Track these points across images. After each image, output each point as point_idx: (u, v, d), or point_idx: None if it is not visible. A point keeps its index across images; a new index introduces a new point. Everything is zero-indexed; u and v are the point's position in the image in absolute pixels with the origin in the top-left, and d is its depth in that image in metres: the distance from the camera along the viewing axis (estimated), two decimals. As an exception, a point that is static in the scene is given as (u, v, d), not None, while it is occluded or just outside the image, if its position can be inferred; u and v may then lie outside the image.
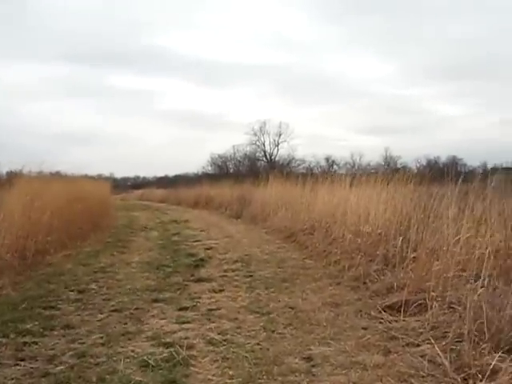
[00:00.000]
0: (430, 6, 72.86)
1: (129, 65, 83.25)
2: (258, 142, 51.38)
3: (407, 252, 6.59)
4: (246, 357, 4.41)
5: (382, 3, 73.30)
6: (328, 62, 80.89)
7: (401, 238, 6.85)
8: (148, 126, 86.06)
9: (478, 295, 4.53)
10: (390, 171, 11.61)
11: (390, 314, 5.47)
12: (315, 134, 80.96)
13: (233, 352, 4.55)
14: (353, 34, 74.80)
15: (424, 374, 3.98)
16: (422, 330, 4.86)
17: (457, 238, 5.87)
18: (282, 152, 50.87)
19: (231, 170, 48.50)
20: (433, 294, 5.21)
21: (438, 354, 4.17)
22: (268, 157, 51.92)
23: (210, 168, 51.35)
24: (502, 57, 75.58)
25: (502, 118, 71.98)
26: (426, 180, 9.00)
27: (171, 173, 64.71)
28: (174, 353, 4.46)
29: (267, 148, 51.67)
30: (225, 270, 8.41)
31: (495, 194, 7.04)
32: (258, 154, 51.98)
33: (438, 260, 5.71)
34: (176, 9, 76.04)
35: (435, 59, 75.30)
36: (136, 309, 5.95)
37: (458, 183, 6.65)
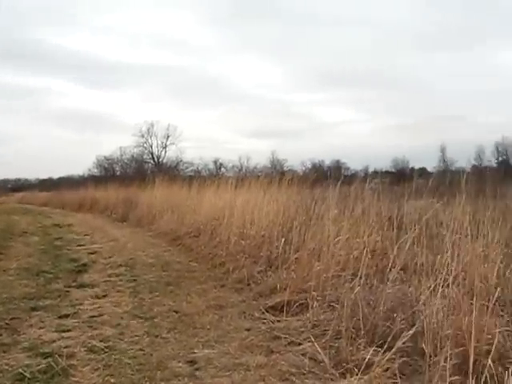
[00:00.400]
0: (318, 15, 75.63)
1: (13, 62, 79.08)
2: (145, 144, 50.62)
3: (290, 253, 6.76)
4: (129, 363, 4.32)
5: (272, 10, 75.06)
6: (218, 65, 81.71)
7: (283, 240, 7.02)
8: (32, 127, 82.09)
9: (355, 293, 4.74)
10: (276, 174, 11.88)
11: (273, 315, 5.58)
12: (204, 136, 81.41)
13: (115, 359, 4.43)
14: (244, 38, 76.13)
15: (305, 372, 4.10)
16: (303, 329, 5.00)
17: (337, 238, 6.11)
18: (170, 154, 50.47)
19: (118, 173, 47.38)
20: (313, 293, 5.39)
21: (318, 352, 4.31)
22: (156, 159, 51.30)
23: (96, 170, 49.94)
24: (385, 67, 79.95)
25: (384, 125, 76.10)
26: (309, 182, 9.31)
27: (55, 175, 62.21)
28: (52, 363, 4.26)
29: (155, 150, 51.03)
30: (109, 275, 8.18)
31: (373, 196, 7.44)
32: (145, 157, 51.20)
33: (318, 260, 5.92)
34: (61, 6, 73.23)
35: (325, 67, 78.25)
36: (12, 319, 5.62)
37: (337, 186, 6.91)
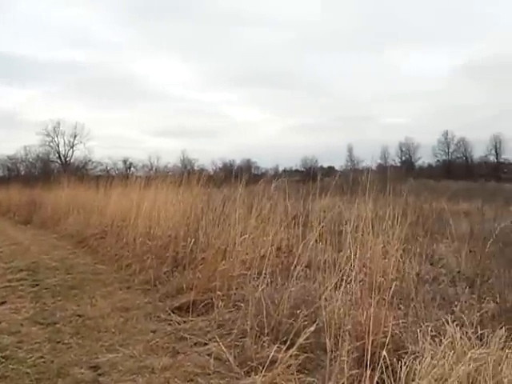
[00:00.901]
0: (231, 14, 76.05)
1: None
2: (51, 144, 48.90)
3: (196, 253, 6.72)
4: (28, 373, 4.12)
5: (185, 8, 74.68)
6: (129, 63, 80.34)
7: (190, 240, 6.96)
8: None
9: (260, 292, 4.77)
10: (185, 173, 11.76)
11: (179, 315, 5.52)
12: (113, 135, 79.68)
13: (12, 369, 4.21)
14: (156, 36, 75.21)
15: (210, 372, 4.08)
16: (209, 329, 4.98)
17: (243, 237, 6.12)
18: (78, 154, 49.09)
19: (22, 173, 45.42)
20: (219, 293, 5.38)
21: (223, 351, 4.30)
22: (62, 159, 49.68)
23: (-3, 170, 47.67)
24: (295, 67, 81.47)
25: (294, 124, 77.55)
26: (218, 182, 9.30)
27: None
28: None
29: (62, 149, 49.45)
30: (8, 280, 7.77)
31: (280, 195, 7.53)
32: (51, 156, 49.46)
33: (224, 260, 5.91)
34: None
35: (235, 67, 78.73)
36: None
37: (244, 185, 6.94)
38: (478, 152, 70.29)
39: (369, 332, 3.60)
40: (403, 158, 70.02)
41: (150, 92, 75.96)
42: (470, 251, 5.94)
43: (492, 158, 68.41)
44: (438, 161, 69.80)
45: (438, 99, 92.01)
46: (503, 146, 67.19)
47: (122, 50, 78.72)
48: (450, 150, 69.86)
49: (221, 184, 9.54)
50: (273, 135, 78.16)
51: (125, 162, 41.24)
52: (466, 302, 4.67)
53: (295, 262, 5.39)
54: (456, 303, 4.75)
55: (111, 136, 77.54)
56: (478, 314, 4.09)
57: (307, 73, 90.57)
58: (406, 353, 3.52)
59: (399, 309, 4.55)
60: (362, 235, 5.39)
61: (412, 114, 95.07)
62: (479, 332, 3.60)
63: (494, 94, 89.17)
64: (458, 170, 56.89)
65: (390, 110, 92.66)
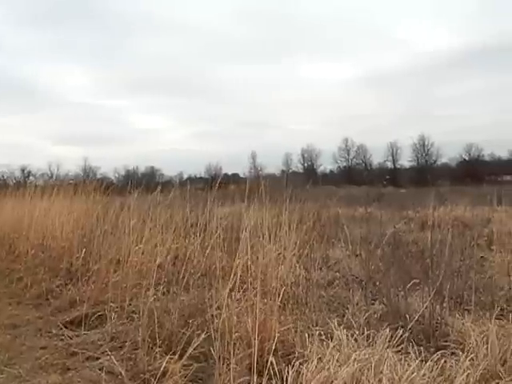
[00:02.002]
0: (137, 22, 74.81)
1: None
2: None
3: (90, 264, 6.50)
4: None
5: (90, 15, 72.66)
6: (28, 69, 76.91)
7: (84, 251, 6.73)
8: None
9: (152, 302, 4.68)
10: (84, 182, 11.38)
11: (71, 330, 5.29)
12: (11, 143, 75.93)
13: None
14: (57, 43, 72.58)
15: (101, 387, 3.94)
16: (101, 343, 4.80)
17: (138, 246, 5.99)
18: (-32, 163, 46.31)
19: None
20: (112, 304, 5.21)
21: (115, 365, 4.16)
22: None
23: None
24: (201, 75, 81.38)
25: (199, 131, 77.32)
26: (117, 190, 9.07)
27: None
28: None
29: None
30: None
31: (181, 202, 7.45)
32: None
33: (117, 271, 5.75)
34: None
35: (138, 73, 77.45)
36: None
37: (138, 192, 6.81)
38: (377, 158, 73.54)
39: (261, 338, 3.61)
40: (306, 165, 71.92)
41: (50, 99, 73.51)
42: (357, 255, 6.13)
43: (389, 164, 71.74)
44: (339, 167, 72.30)
45: (338, 107, 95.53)
46: (399, 152, 70.72)
47: (19, 54, 75.45)
48: (350, 157, 72.58)
49: (120, 192, 9.31)
50: (178, 142, 77.85)
51: (23, 170, 39.35)
52: (357, 304, 4.80)
53: (192, 270, 5.34)
54: (348, 306, 4.88)
55: (7, 143, 73.99)
56: (366, 316, 4.21)
57: (213, 80, 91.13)
58: (297, 357, 3.56)
59: (294, 314, 4.60)
60: (259, 241, 5.42)
61: (314, 121, 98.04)
62: (365, 333, 3.70)
63: (392, 102, 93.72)
64: (358, 176, 58.98)
65: (294, 118, 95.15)
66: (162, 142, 79.95)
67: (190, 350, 3.75)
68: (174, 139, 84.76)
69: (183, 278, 5.60)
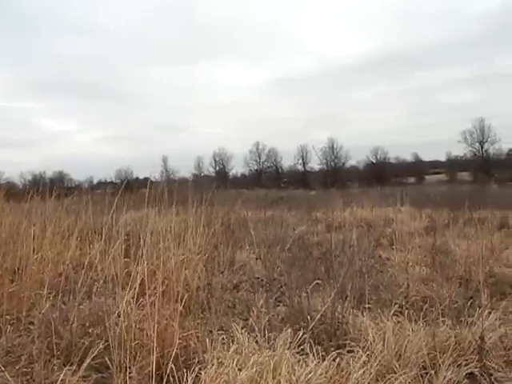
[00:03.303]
0: (46, 23, 72.03)
1: None
2: None
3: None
4: None
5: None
6: None
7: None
8: None
9: (50, 312, 4.49)
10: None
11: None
12: None
13: None
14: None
15: (-8, 405, 3.73)
16: (-4, 358, 4.55)
17: (38, 255, 5.74)
18: None
19: None
20: (7, 317, 4.95)
21: (10, 381, 3.95)
22: None
23: None
24: (113, 78, 79.53)
25: (108, 135, 75.62)
26: (17, 196, 8.67)
27: None
28: None
29: None
30: None
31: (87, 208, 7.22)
32: None
33: (15, 280, 5.47)
34: None
35: (48, 74, 74.64)
36: None
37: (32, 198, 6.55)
38: (288, 161, 74.92)
39: (162, 345, 3.55)
40: (217, 168, 72.10)
41: None
42: (257, 258, 6.18)
43: (300, 167, 73.28)
44: (251, 170, 72.95)
45: (251, 111, 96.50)
46: (310, 155, 72.39)
47: None
48: (262, 160, 73.44)
49: (23, 197, 8.90)
50: (88, 146, 75.76)
51: None
52: (261, 307, 4.82)
53: (95, 278, 5.18)
54: (253, 309, 4.89)
55: None
56: (268, 318, 4.24)
57: (125, 83, 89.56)
58: (198, 362, 3.52)
59: (197, 318, 4.57)
60: (164, 246, 5.35)
61: (227, 124, 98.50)
62: (267, 335, 3.73)
63: (302, 106, 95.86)
64: (269, 179, 59.78)
65: (207, 121, 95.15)
66: (72, 146, 77.56)
67: (88, 360, 3.61)
68: (84, 143, 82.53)
69: (84, 285, 5.43)
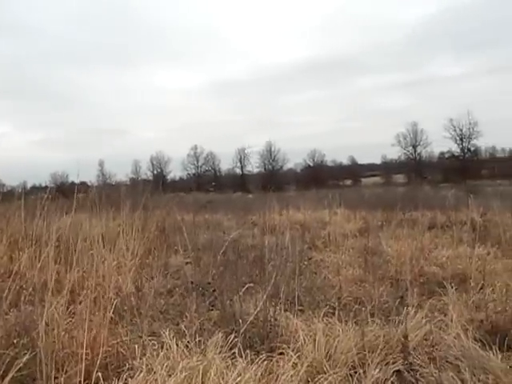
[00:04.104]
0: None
1: None
2: None
3: None
4: None
5: None
6: None
7: None
8: None
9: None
10: None
11: None
12: None
13: None
14: None
15: None
16: None
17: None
18: None
19: None
20: None
21: None
22: None
23: None
24: (46, 80, 77.35)
25: (42, 139, 73.51)
26: None
27: None
28: None
29: None
30: None
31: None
32: None
33: None
34: None
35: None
36: None
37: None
38: (226, 165, 75.04)
39: (92, 353, 3.47)
40: (155, 172, 71.41)
41: None
42: (187, 263, 6.15)
43: (238, 170, 73.49)
44: (189, 174, 72.63)
45: (189, 115, 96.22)
46: (248, 158, 72.75)
47: None
48: (200, 164, 73.26)
49: None
50: (21, 150, 73.31)
51: None
52: (194, 311, 4.80)
53: (24, 285, 5.03)
54: (187, 314, 4.86)
55: None
56: (200, 322, 4.23)
57: (61, 86, 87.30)
58: (128, 369, 3.47)
59: (129, 324, 4.50)
60: (98, 251, 5.25)
61: (165, 128, 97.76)
62: (197, 340, 3.71)
63: (241, 110, 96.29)
64: (208, 182, 59.57)
65: (145, 125, 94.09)
66: (4, 150, 74.87)
67: (12, 372, 3.49)
68: (18, 146, 79.94)
69: (10, 293, 5.26)
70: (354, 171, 75.03)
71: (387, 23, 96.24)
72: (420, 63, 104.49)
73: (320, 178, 64.50)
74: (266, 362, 3.59)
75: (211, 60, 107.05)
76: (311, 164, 74.38)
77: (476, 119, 66.84)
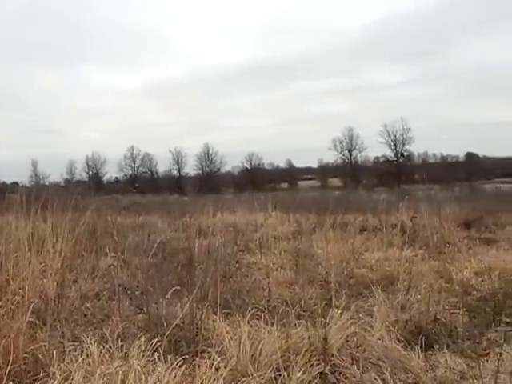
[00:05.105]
0: None
1: None
2: None
3: None
4: None
5: None
6: None
7: None
8: None
9: None
10: None
11: None
12: None
13: None
14: None
15: None
16: None
17: None
18: None
19: None
20: None
21: None
22: None
23: None
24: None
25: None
26: None
27: None
28: None
29: None
30: None
31: None
32: None
33: None
34: None
35: None
36: None
37: None
38: (163, 167, 74.31)
39: (8, 361, 3.35)
40: (90, 173, 69.93)
41: None
42: (114, 266, 6.06)
43: (175, 172, 72.95)
44: (125, 175, 71.47)
45: (126, 116, 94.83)
46: (185, 160, 72.33)
47: None
48: (136, 165, 72.25)
49: None
50: None
51: None
52: (120, 316, 4.71)
53: None
54: (113, 317, 4.77)
55: None
56: (123, 327, 4.15)
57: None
58: (45, 376, 3.36)
59: (51, 329, 4.36)
60: (22, 254, 5.08)
61: (101, 129, 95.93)
62: (119, 345, 3.64)
63: (178, 112, 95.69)
64: (144, 184, 58.86)
65: (81, 126, 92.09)
66: None
67: None
68: None
69: None
70: (291, 174, 75.78)
71: (332, 29, 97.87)
72: (359, 70, 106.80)
73: (257, 180, 64.75)
74: (188, 366, 3.55)
75: (152, 61, 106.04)
76: (248, 167, 74.62)
77: (409, 126, 68.98)
